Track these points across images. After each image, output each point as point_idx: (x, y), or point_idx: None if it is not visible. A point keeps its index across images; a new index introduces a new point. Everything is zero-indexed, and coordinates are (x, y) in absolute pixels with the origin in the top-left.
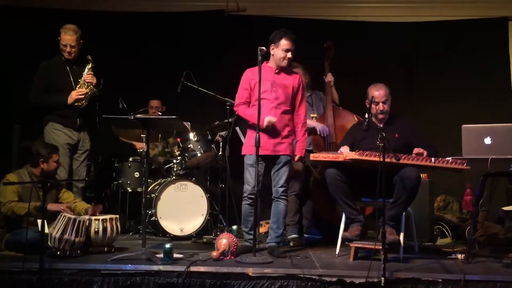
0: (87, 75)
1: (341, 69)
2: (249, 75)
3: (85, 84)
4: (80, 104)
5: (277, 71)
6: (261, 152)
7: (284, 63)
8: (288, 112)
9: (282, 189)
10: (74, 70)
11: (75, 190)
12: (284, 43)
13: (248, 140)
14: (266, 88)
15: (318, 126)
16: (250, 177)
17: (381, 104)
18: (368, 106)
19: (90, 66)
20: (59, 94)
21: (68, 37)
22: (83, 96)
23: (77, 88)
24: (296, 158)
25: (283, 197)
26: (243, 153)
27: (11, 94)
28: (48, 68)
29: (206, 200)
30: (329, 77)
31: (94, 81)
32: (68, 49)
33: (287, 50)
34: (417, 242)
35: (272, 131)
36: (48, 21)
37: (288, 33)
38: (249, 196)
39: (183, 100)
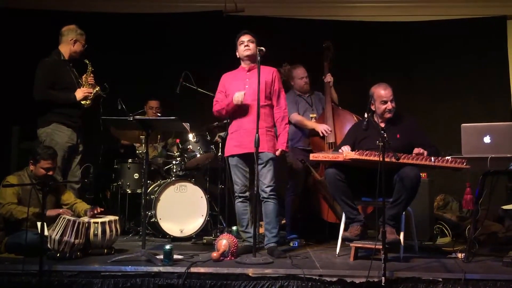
0: (90, 77)
1: (340, 69)
2: (223, 79)
3: (89, 85)
4: (85, 103)
5: (248, 69)
6: (241, 151)
7: (246, 54)
8: (264, 107)
9: (269, 188)
10: (72, 70)
11: (72, 191)
12: (239, 39)
13: (227, 141)
14: (239, 87)
15: (319, 127)
16: (236, 177)
17: (389, 102)
18: (373, 107)
19: (90, 69)
20: (66, 91)
21: (84, 37)
22: (91, 95)
23: (82, 87)
24: (278, 152)
25: (272, 196)
26: (225, 155)
27: (10, 95)
28: (51, 65)
29: (206, 201)
30: (328, 78)
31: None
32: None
33: (241, 43)
34: (417, 241)
35: (251, 128)
36: (45, 22)
37: (243, 31)
38: (240, 194)
39: (181, 101)
